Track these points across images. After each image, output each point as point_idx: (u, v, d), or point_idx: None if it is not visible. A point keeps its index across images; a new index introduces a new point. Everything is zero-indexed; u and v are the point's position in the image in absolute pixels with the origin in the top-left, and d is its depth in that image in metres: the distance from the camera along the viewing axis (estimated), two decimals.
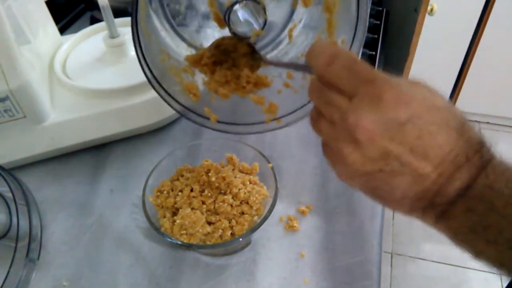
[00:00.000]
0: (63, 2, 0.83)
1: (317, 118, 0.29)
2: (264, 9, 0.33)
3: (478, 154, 0.24)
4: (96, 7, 0.50)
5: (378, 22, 1.06)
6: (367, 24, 0.32)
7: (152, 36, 0.38)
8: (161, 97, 0.35)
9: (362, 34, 0.32)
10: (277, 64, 0.37)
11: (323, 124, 0.29)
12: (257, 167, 0.45)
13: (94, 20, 0.81)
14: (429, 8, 1.24)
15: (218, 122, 0.38)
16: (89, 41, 0.60)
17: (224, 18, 0.33)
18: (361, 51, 0.34)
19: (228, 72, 0.36)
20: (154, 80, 0.34)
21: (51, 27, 0.58)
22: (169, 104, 0.36)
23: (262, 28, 0.33)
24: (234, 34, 0.35)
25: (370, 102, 0.24)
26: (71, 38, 0.58)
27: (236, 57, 0.36)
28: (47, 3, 0.56)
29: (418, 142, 0.24)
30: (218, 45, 0.36)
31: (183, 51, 0.41)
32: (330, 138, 0.28)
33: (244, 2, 0.33)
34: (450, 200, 0.25)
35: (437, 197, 0.25)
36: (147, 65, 0.34)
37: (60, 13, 0.81)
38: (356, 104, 0.25)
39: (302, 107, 0.37)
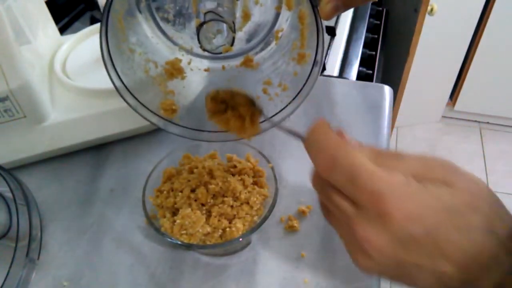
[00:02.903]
0: (63, 2, 0.83)
1: (325, 210, 0.28)
2: (231, 28, 0.34)
3: (507, 249, 0.22)
4: (96, 7, 0.50)
5: (378, 22, 1.06)
6: (323, 37, 0.32)
7: (137, 48, 0.38)
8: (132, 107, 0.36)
9: (321, 49, 0.33)
10: (276, 126, 0.37)
11: (332, 218, 0.28)
12: (264, 173, 0.44)
13: (94, 20, 0.81)
14: (429, 8, 1.25)
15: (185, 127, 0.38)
16: (89, 41, 0.60)
17: (198, 38, 0.34)
18: (321, 66, 0.34)
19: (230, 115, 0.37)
20: (125, 90, 0.35)
21: (51, 27, 0.58)
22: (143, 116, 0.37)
23: (231, 44, 0.34)
24: (205, 50, 0.36)
25: (377, 218, 0.23)
26: (71, 38, 0.58)
27: (235, 105, 0.37)
28: (47, 3, 0.57)
29: (437, 251, 0.22)
30: (213, 97, 0.36)
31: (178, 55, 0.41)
32: (343, 236, 0.27)
33: (211, 22, 0.34)
34: None
35: None
36: (117, 75, 0.34)
37: (60, 13, 0.81)
38: (363, 216, 0.23)
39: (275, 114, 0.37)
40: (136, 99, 0.36)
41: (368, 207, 0.23)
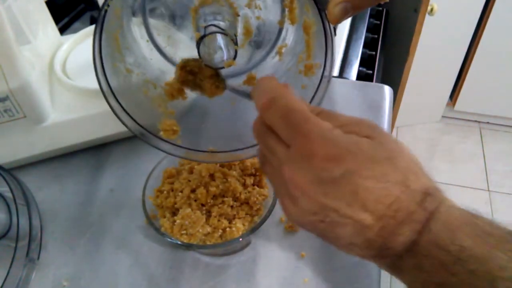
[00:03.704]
0: (63, 2, 0.83)
1: (262, 160, 0.29)
2: (233, 40, 0.34)
3: (421, 206, 0.23)
4: (96, 7, 0.50)
5: (378, 22, 1.06)
6: (333, 43, 0.31)
7: (135, 70, 0.38)
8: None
9: (331, 57, 0.32)
10: (236, 92, 0.37)
11: (267, 167, 0.29)
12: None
13: (94, 20, 0.81)
14: (429, 8, 1.24)
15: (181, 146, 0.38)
16: (89, 41, 0.59)
17: (198, 51, 0.34)
18: (332, 73, 0.33)
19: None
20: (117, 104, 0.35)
21: (51, 27, 0.58)
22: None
23: (234, 58, 0.34)
24: (207, 66, 0.35)
25: (302, 157, 0.24)
26: (71, 38, 0.58)
27: (202, 78, 0.37)
28: (47, 3, 0.56)
29: (354, 197, 0.23)
30: (183, 66, 0.36)
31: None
32: (274, 184, 0.28)
33: (212, 36, 0.33)
34: (397, 253, 0.24)
35: (384, 249, 0.24)
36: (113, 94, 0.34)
37: (60, 13, 0.81)
38: (290, 157, 0.25)
39: None
40: (135, 121, 0.35)
41: (296, 147, 0.24)
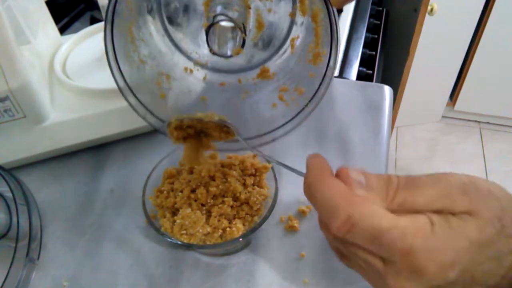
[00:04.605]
0: (63, 2, 0.83)
1: (343, 257, 0.28)
2: (240, 28, 0.33)
3: None
4: (96, 7, 0.50)
5: (378, 22, 1.07)
6: (338, 30, 0.31)
7: (148, 62, 0.38)
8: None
9: (336, 43, 0.32)
10: (255, 147, 0.37)
11: (353, 264, 0.27)
12: (268, 167, 0.44)
13: (94, 20, 0.81)
14: (429, 8, 1.25)
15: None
16: (89, 41, 0.60)
17: (207, 41, 0.33)
18: (337, 60, 0.33)
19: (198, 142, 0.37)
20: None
21: (51, 27, 0.58)
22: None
23: (242, 46, 0.34)
24: (215, 54, 0.35)
25: (411, 274, 0.22)
26: (71, 38, 0.58)
27: (204, 129, 0.36)
28: (47, 3, 0.57)
29: (471, 282, 0.23)
30: (178, 126, 0.36)
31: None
32: (369, 280, 0.26)
33: (220, 26, 0.33)
34: None
35: None
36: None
37: (60, 13, 0.81)
38: (395, 270, 0.23)
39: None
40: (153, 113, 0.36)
41: (399, 263, 0.22)
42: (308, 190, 0.26)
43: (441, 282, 0.22)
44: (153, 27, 0.39)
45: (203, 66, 0.42)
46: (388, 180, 0.25)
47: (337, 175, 0.26)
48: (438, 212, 0.23)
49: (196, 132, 0.37)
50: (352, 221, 0.23)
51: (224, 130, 0.36)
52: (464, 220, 0.23)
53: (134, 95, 0.35)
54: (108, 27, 0.31)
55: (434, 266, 0.22)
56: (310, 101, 0.35)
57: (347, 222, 0.23)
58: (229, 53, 0.34)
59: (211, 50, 0.36)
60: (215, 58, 0.38)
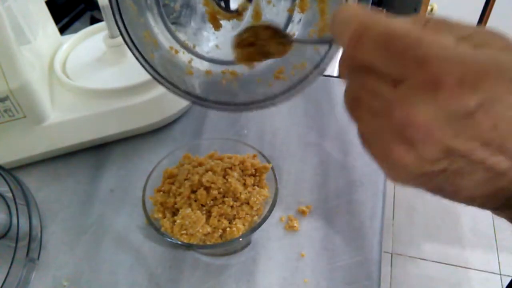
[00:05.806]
0: (63, 2, 0.83)
1: (355, 104, 0.22)
2: None
3: None
4: (96, 7, 0.50)
5: None
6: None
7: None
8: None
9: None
10: (305, 41, 0.37)
11: (363, 113, 0.22)
12: (268, 167, 0.44)
13: (94, 20, 0.81)
14: (429, 8, 1.25)
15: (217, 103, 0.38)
16: (89, 41, 0.60)
17: None
18: None
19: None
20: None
21: (51, 27, 0.58)
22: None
23: (250, 1, 0.34)
24: (225, 9, 0.36)
25: (425, 91, 0.18)
26: (71, 38, 0.58)
27: (263, 44, 0.36)
28: (47, 3, 0.57)
29: (493, 133, 0.17)
30: (239, 42, 0.35)
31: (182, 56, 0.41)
32: (373, 133, 0.21)
33: None
34: None
35: None
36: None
37: (60, 13, 0.81)
38: (405, 93, 0.18)
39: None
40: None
41: (414, 79, 0.18)
42: (333, 21, 0.22)
43: (459, 108, 0.17)
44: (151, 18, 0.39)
45: (188, 49, 0.42)
46: (421, 17, 0.21)
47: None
48: (469, 41, 0.19)
49: (256, 51, 0.37)
50: (365, 27, 0.20)
51: (280, 42, 0.35)
52: (500, 52, 0.18)
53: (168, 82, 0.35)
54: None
55: (453, 79, 0.17)
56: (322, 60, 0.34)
57: (360, 28, 0.20)
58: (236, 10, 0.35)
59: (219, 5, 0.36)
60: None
